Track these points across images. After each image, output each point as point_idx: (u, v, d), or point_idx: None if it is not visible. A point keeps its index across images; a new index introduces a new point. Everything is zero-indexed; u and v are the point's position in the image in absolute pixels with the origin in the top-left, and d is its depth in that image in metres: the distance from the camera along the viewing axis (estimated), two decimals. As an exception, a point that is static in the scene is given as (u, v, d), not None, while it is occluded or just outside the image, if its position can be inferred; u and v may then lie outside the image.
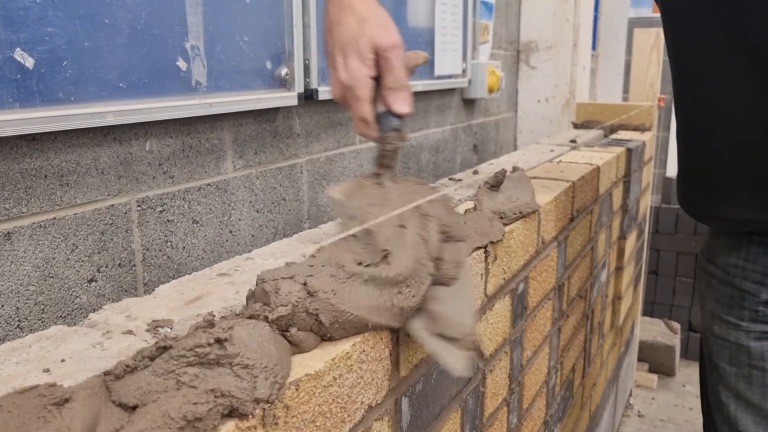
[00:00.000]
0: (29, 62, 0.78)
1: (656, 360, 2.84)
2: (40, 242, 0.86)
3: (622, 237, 1.80)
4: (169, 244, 1.06)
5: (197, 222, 1.11)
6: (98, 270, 0.95)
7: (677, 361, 2.90)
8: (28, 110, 0.78)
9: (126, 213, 0.98)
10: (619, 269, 1.83)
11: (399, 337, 0.57)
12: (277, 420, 0.42)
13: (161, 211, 1.04)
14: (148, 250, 1.02)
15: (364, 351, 0.51)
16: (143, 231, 1.01)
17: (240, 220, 1.21)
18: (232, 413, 0.39)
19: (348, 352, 0.49)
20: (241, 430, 0.38)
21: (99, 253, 0.94)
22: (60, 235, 0.88)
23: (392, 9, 1.56)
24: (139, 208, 1.00)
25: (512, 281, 0.87)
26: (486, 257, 0.77)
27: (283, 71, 1.23)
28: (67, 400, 0.36)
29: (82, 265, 0.92)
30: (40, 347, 0.48)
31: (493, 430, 0.86)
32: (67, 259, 0.90)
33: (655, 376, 2.79)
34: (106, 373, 0.40)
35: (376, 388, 0.54)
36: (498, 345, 0.84)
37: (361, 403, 0.52)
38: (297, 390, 0.44)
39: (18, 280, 0.84)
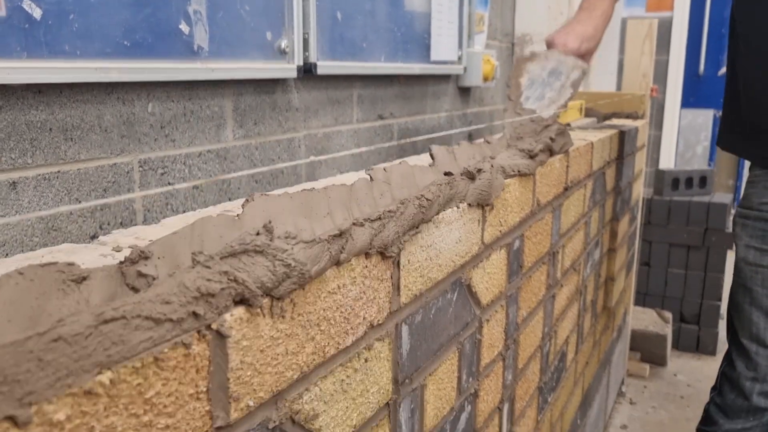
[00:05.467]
0: (37, 12, 0.79)
1: (648, 349, 2.87)
2: (44, 194, 0.87)
3: (615, 219, 1.82)
4: (169, 206, 1.07)
5: (197, 187, 1.12)
6: (100, 227, 0.96)
7: (669, 351, 2.92)
8: (35, 60, 0.80)
9: (128, 173, 0.99)
10: (612, 251, 1.85)
11: (400, 261, 0.58)
12: (284, 313, 0.43)
13: (162, 174, 1.05)
14: (149, 211, 1.03)
15: (366, 267, 0.53)
16: (144, 192, 1.02)
17: (239, 188, 1.22)
18: (243, 301, 0.41)
19: (352, 265, 0.51)
20: (251, 314, 0.40)
21: (101, 210, 0.95)
22: (64, 189, 0.90)
23: (390, -10, 1.58)
24: (141, 169, 1.01)
25: (508, 235, 0.89)
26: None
27: (283, 43, 1.24)
28: (84, 278, 0.38)
29: (84, 221, 0.93)
30: (52, 257, 0.50)
31: (489, 381, 0.88)
32: (71, 213, 0.91)
33: (647, 365, 2.81)
34: (121, 262, 0.41)
35: (377, 307, 0.56)
36: (494, 296, 0.86)
37: (363, 318, 0.54)
38: (303, 289, 0.45)
39: (22, 230, 0.85)
